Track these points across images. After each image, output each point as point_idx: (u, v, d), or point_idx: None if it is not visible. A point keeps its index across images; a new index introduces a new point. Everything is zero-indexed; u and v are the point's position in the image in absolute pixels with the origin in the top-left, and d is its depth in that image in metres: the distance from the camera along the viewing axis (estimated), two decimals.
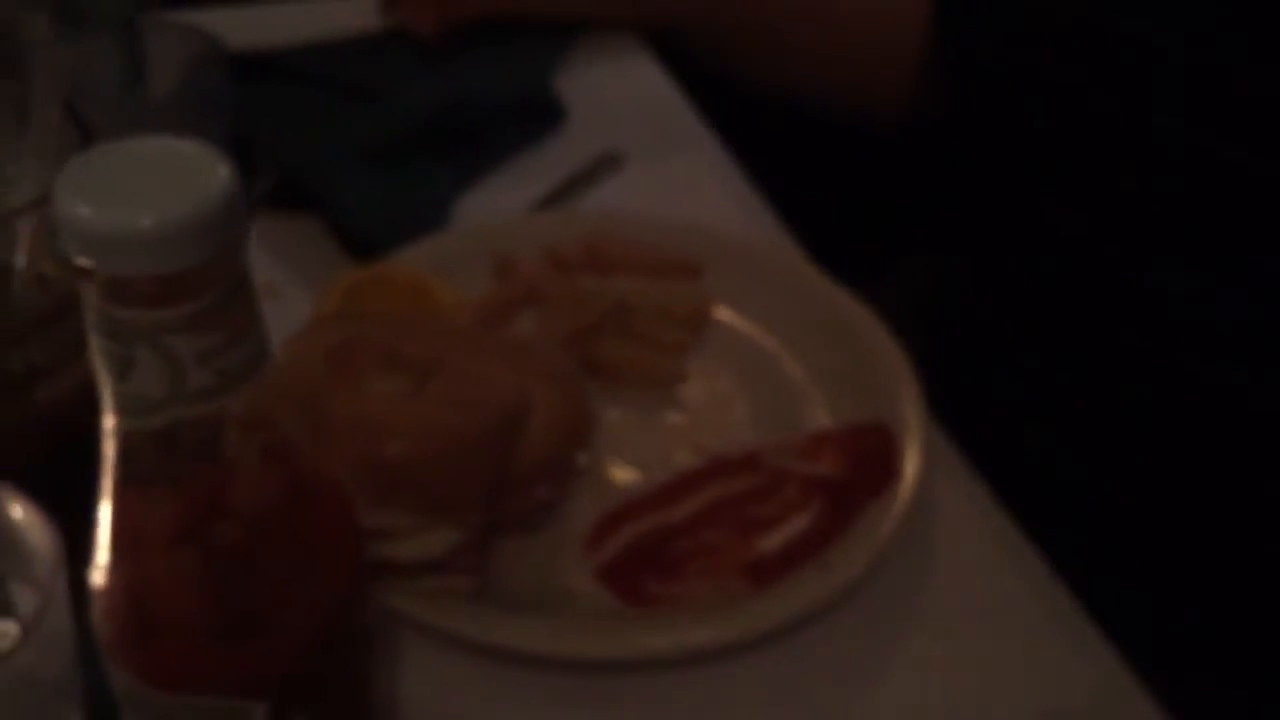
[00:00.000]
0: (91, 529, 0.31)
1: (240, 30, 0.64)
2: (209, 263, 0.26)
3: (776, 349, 0.56)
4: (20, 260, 0.40)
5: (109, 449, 0.29)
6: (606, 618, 0.45)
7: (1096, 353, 0.58)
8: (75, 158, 0.26)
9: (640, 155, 0.69)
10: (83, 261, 0.25)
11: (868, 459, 0.49)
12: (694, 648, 0.43)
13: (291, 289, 0.57)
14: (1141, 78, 0.53)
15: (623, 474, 0.50)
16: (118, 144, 0.26)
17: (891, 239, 0.78)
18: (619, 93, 0.74)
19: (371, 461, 0.42)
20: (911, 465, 0.49)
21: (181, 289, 0.26)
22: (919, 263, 0.77)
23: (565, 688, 0.43)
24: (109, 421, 0.28)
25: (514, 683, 0.43)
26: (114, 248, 0.25)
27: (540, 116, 0.70)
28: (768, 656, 0.44)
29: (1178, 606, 0.55)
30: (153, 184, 0.26)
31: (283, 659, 0.31)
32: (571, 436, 0.47)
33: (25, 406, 0.40)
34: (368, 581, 0.34)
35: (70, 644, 0.37)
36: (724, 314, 0.57)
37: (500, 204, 0.65)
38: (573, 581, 0.46)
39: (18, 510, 0.37)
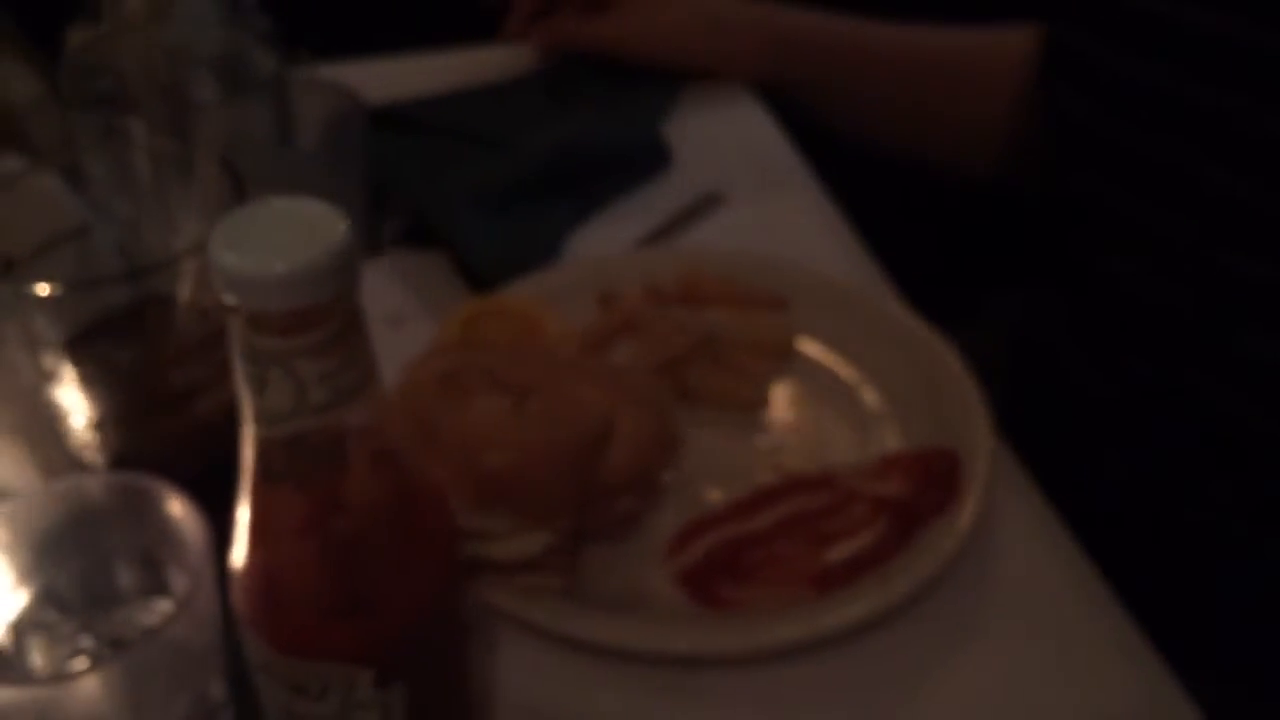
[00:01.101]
0: (235, 522, 0.38)
1: (378, 82, 0.71)
2: (330, 300, 0.32)
3: (855, 378, 0.60)
4: (183, 294, 0.47)
5: (248, 453, 0.35)
6: (683, 617, 0.49)
7: (1173, 395, 0.59)
8: (225, 216, 0.32)
9: (741, 195, 0.73)
10: (229, 299, 0.32)
11: (934, 481, 0.52)
12: (761, 647, 0.47)
13: (417, 318, 0.64)
14: (1226, 147, 0.55)
15: (706, 490, 0.55)
16: (258, 204, 0.33)
17: (981, 278, 0.81)
18: (723, 135, 0.79)
19: (475, 471, 0.47)
20: (976, 488, 0.52)
21: (308, 322, 0.32)
22: (1006, 301, 0.80)
23: (643, 679, 0.48)
24: (248, 430, 0.34)
25: (596, 674, 0.48)
26: (254, 288, 0.31)
27: (649, 159, 0.75)
28: (829, 660, 0.48)
29: (1248, 638, 0.56)
30: (287, 236, 0.32)
31: (386, 635, 0.37)
32: (655, 454, 0.52)
33: (185, 418, 0.47)
34: (463, 575, 0.40)
35: (216, 620, 0.43)
36: (807, 344, 0.61)
37: (608, 240, 0.70)
38: (654, 584, 0.50)
39: (176, 507, 0.43)
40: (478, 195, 0.70)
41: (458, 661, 0.41)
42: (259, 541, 0.36)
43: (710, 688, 0.48)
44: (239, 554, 0.37)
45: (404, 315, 0.64)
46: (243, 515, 0.36)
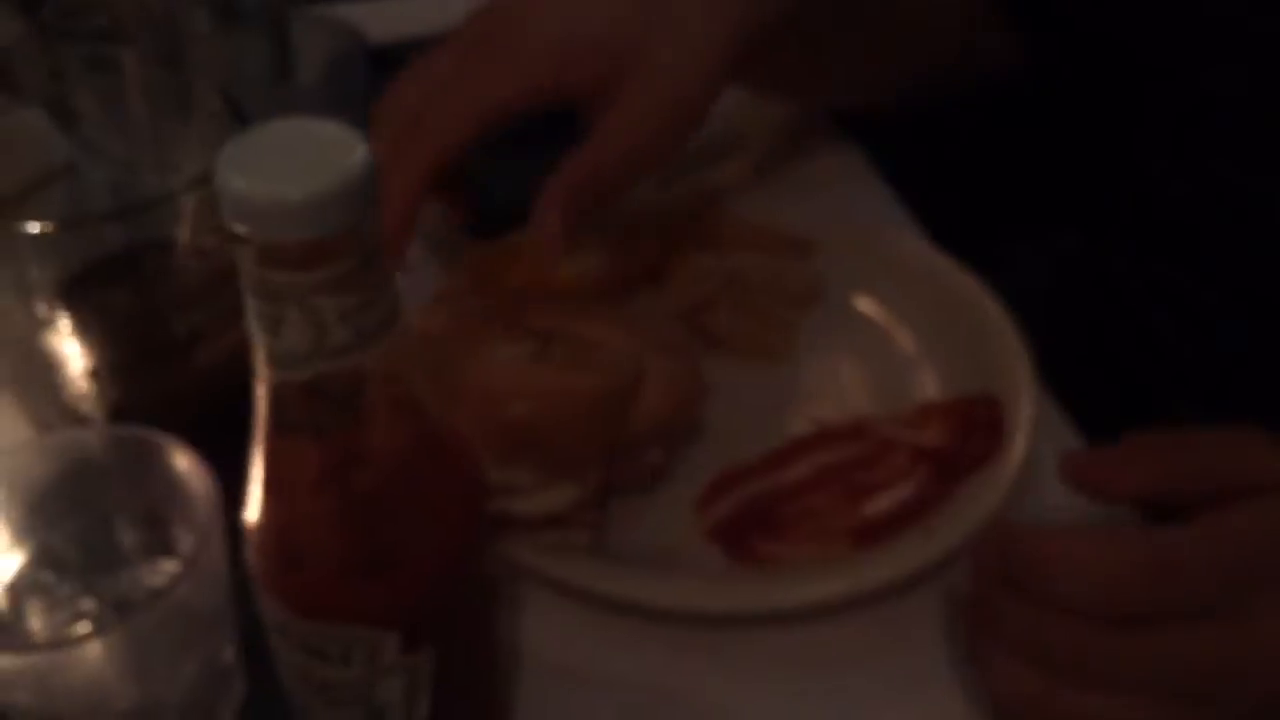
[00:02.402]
0: (244, 478, 0.35)
1: (380, 23, 0.67)
2: (349, 230, 0.29)
3: (889, 323, 0.57)
4: (183, 235, 0.44)
5: (261, 400, 0.32)
6: (716, 574, 0.47)
7: (1225, 318, 0.57)
8: (233, 138, 0.29)
9: (762, 139, 0.70)
10: (239, 229, 0.29)
11: (975, 429, 0.50)
12: (800, 604, 0.45)
13: (423, 264, 0.61)
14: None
15: (736, 441, 0.52)
16: (271, 124, 0.30)
17: (1014, 221, 0.78)
18: None
19: (497, 422, 0.45)
20: (1019, 436, 0.49)
21: (325, 254, 0.29)
22: (1040, 244, 0.77)
23: (675, 639, 0.46)
24: (261, 374, 0.32)
25: (627, 633, 0.46)
26: (267, 216, 0.28)
27: None
28: (868, 617, 0.46)
29: None
30: (301, 160, 0.29)
31: (411, 594, 0.35)
32: (684, 404, 0.49)
33: (187, 367, 0.44)
34: (488, 531, 0.37)
35: (225, 581, 0.41)
36: (837, 289, 0.58)
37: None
38: (685, 539, 0.48)
39: (180, 460, 0.41)
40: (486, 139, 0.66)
41: (485, 622, 0.39)
42: (274, 496, 0.34)
43: (745, 646, 0.46)
44: (252, 510, 0.34)
45: (410, 261, 0.61)
46: (256, 468, 0.34)
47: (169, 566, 0.44)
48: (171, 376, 0.44)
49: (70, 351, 0.44)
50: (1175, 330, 0.61)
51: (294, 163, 0.29)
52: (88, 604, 0.43)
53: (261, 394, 0.32)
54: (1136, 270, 0.64)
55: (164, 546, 0.44)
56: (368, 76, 0.65)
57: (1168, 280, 0.61)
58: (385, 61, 0.69)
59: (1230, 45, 0.55)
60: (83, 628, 0.42)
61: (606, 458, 0.46)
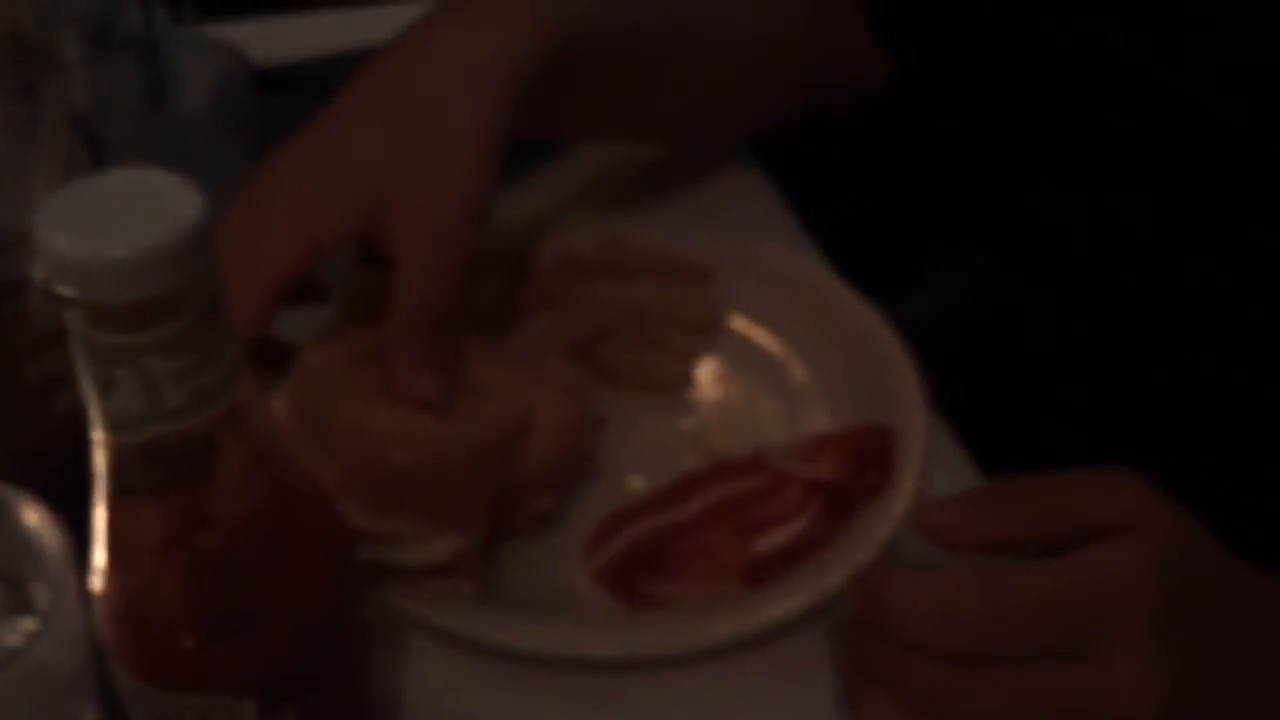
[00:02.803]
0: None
1: (266, 44, 0.66)
2: (181, 288, 0.27)
3: (784, 353, 0.56)
4: (37, 274, 0.42)
5: (100, 463, 0.31)
6: (605, 619, 0.46)
7: (1120, 361, 0.57)
8: (54, 193, 0.27)
9: (665, 161, 0.69)
10: (64, 290, 0.27)
11: (867, 461, 0.50)
12: (688, 647, 0.44)
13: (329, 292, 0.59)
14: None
15: (629, 478, 0.51)
16: (95, 178, 0.28)
17: (916, 246, 0.78)
18: None
19: (377, 470, 0.43)
20: (911, 468, 0.49)
21: (156, 313, 0.27)
22: (949, 264, 0.77)
23: (565, 686, 0.44)
24: (97, 438, 0.30)
25: (516, 681, 0.44)
26: (91, 276, 0.27)
27: None
28: (764, 656, 0.45)
29: None
30: (128, 215, 0.27)
31: (268, 658, 0.33)
32: (574, 447, 0.48)
33: (42, 416, 0.42)
34: (354, 584, 0.36)
35: (84, 641, 0.39)
36: (734, 319, 0.58)
37: (520, 207, 0.65)
38: (574, 583, 0.47)
39: (32, 515, 0.39)
40: None
41: (357, 677, 0.37)
42: (118, 561, 0.32)
43: (637, 692, 0.45)
44: (98, 576, 0.33)
45: (296, 294, 0.60)
46: (99, 532, 0.32)
47: (27, 625, 0.42)
48: (25, 426, 0.42)
49: None
50: (1067, 362, 0.61)
51: (121, 218, 0.27)
52: None
53: (100, 457, 0.30)
54: (1031, 303, 0.64)
55: (21, 605, 0.41)
56: (253, 99, 0.63)
57: (1060, 313, 0.61)
58: (271, 84, 0.67)
59: (1122, 80, 0.55)
60: None
61: (492, 506, 0.45)
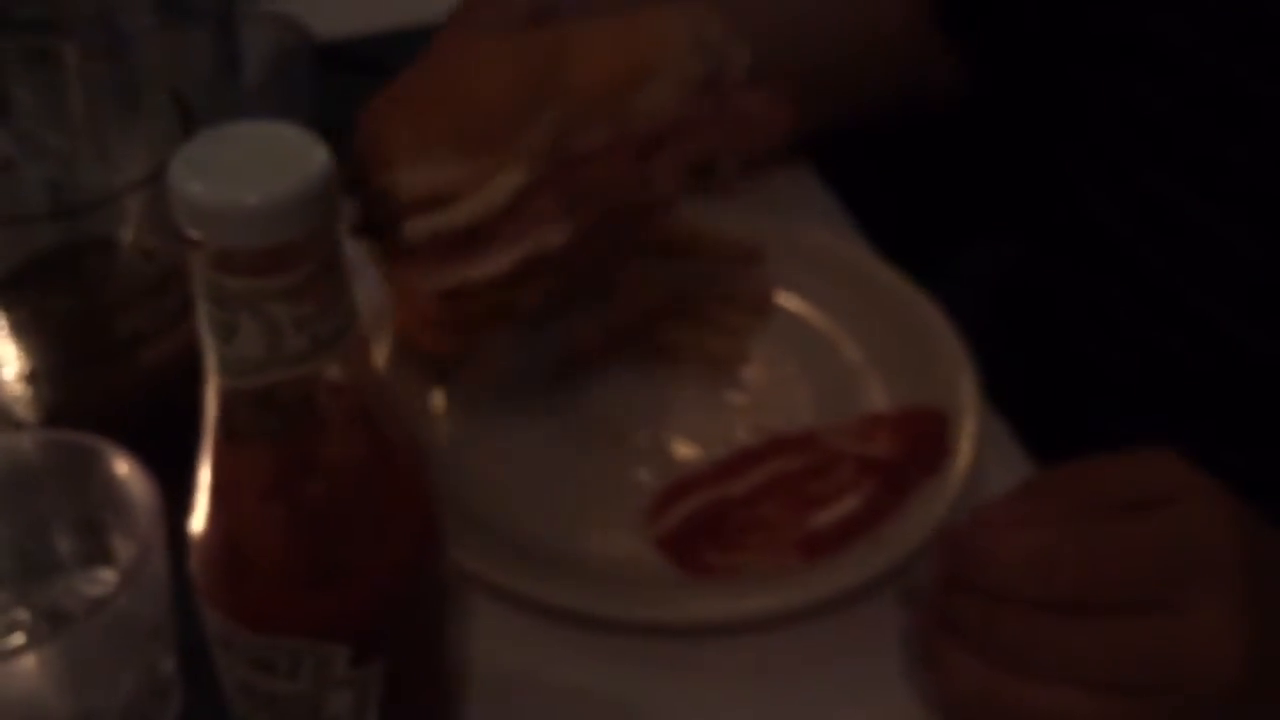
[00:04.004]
0: (186, 483, 0.34)
1: (327, 19, 0.66)
2: (306, 237, 0.28)
3: (837, 334, 0.57)
4: (126, 235, 0.43)
5: (211, 407, 0.31)
6: (666, 585, 0.47)
7: (1160, 338, 0.58)
8: (191, 139, 0.28)
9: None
10: (193, 234, 0.28)
11: (921, 441, 0.50)
12: (747, 615, 0.45)
13: (369, 269, 0.60)
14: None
15: (685, 451, 0.52)
16: (227, 127, 0.29)
17: (955, 231, 0.79)
18: None
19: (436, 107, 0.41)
20: (965, 448, 0.50)
21: (282, 260, 0.28)
22: (982, 253, 0.78)
23: (625, 650, 0.45)
24: (212, 381, 0.31)
25: (576, 644, 0.45)
26: (222, 222, 0.28)
27: None
28: (816, 628, 0.46)
29: None
30: (258, 164, 0.28)
31: (362, 607, 0.34)
32: (627, 79, 0.44)
33: (130, 370, 0.43)
34: (441, 543, 0.37)
35: (166, 590, 0.40)
36: (786, 299, 0.59)
37: None
38: (634, 550, 0.48)
39: (122, 466, 0.40)
40: None
41: (436, 633, 0.38)
42: (222, 505, 0.33)
43: (693, 658, 0.46)
44: (198, 520, 0.34)
45: (356, 266, 0.60)
46: (203, 476, 0.33)
47: (105, 575, 0.43)
48: (113, 379, 0.43)
49: (5, 353, 0.43)
50: (1107, 345, 0.62)
51: (251, 166, 0.28)
52: (21, 614, 0.42)
53: (211, 400, 0.31)
54: (1069, 283, 0.65)
55: (101, 554, 0.42)
56: (314, 74, 0.63)
57: (1101, 296, 0.62)
58: (332, 59, 0.68)
59: (1160, 61, 0.56)
60: (16, 639, 0.41)
61: (545, 136, 0.41)
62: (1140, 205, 0.58)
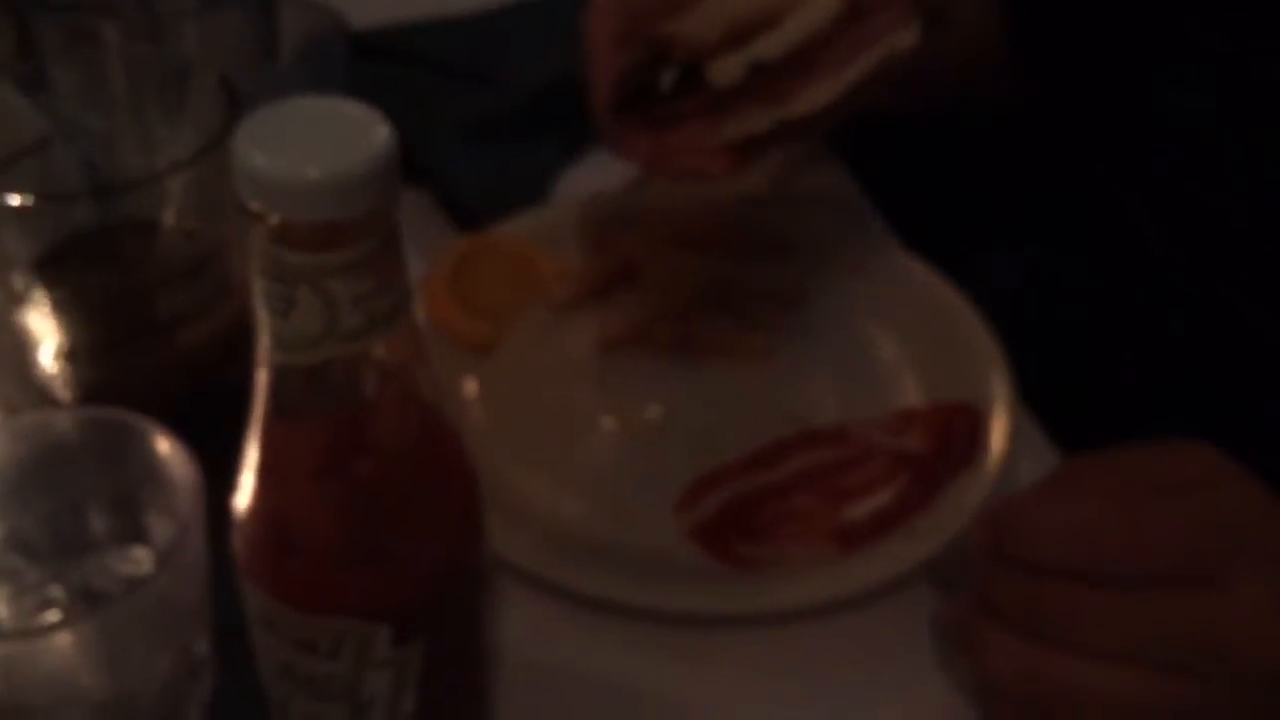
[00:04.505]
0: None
1: (363, 7, 0.66)
2: (367, 213, 0.28)
3: (869, 328, 0.57)
4: (169, 216, 0.43)
5: (262, 384, 0.31)
6: (700, 574, 0.46)
7: (1193, 342, 0.58)
8: (253, 112, 0.28)
9: None
10: (255, 206, 0.28)
11: (954, 437, 0.50)
12: (784, 606, 0.45)
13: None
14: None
15: (717, 442, 0.52)
16: (290, 102, 0.29)
17: (985, 232, 0.79)
18: None
19: None
20: (997, 443, 0.50)
21: (343, 236, 0.28)
22: (1013, 255, 0.78)
23: (655, 639, 0.45)
24: (265, 356, 0.31)
25: (606, 633, 0.45)
26: (285, 194, 0.28)
27: None
28: (848, 621, 0.46)
29: None
30: (322, 138, 0.28)
31: (406, 587, 0.34)
32: None
33: (168, 349, 0.43)
34: (483, 528, 0.37)
35: (203, 571, 0.40)
36: (819, 293, 0.59)
37: (603, 178, 0.66)
38: (667, 540, 0.48)
39: (162, 444, 0.40)
40: (465, 130, 0.65)
41: (474, 617, 0.38)
42: (269, 483, 0.33)
43: (726, 648, 0.45)
44: (244, 496, 0.34)
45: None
46: (250, 453, 0.33)
47: (140, 554, 0.43)
48: (151, 358, 0.43)
49: (43, 331, 0.43)
50: (1137, 345, 0.62)
51: (315, 141, 0.28)
52: (56, 592, 0.42)
53: (263, 376, 0.31)
54: (1101, 287, 0.65)
55: (136, 533, 0.42)
56: (349, 62, 0.63)
57: (1131, 297, 0.61)
58: (367, 47, 0.68)
59: (1193, 65, 0.56)
60: (51, 616, 0.41)
61: None
62: (1175, 211, 0.58)
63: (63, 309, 0.42)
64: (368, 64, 0.66)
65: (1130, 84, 0.60)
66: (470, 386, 0.54)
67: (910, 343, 0.56)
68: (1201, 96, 0.56)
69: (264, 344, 0.30)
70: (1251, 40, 0.53)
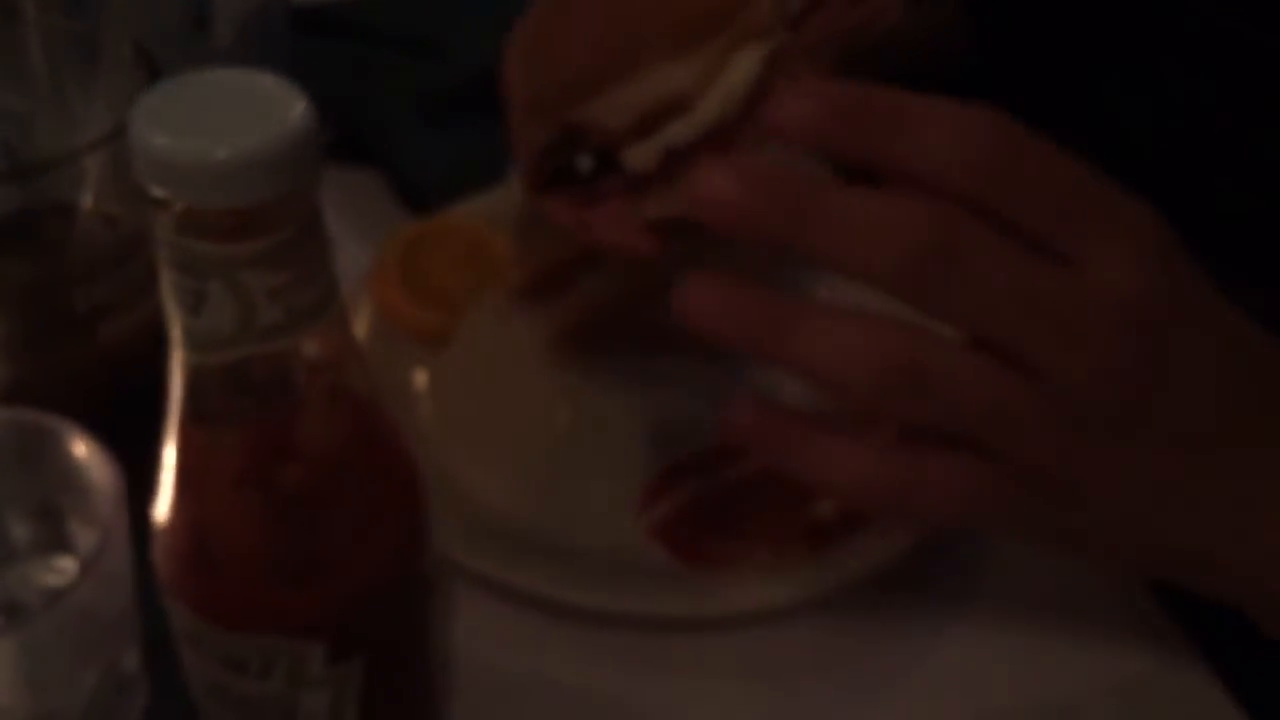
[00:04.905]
0: (151, 467, 0.31)
1: None
2: (283, 198, 0.26)
3: None
4: (87, 199, 0.40)
5: (176, 385, 0.29)
6: (662, 576, 0.44)
7: None
8: (152, 87, 0.26)
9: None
10: (158, 192, 0.25)
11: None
12: (750, 608, 0.43)
13: (350, 242, 0.57)
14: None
15: (680, 435, 0.50)
16: (195, 75, 0.26)
17: None
18: None
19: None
20: None
21: (256, 223, 0.26)
22: None
23: (618, 644, 0.43)
24: (177, 357, 0.28)
25: (566, 638, 0.43)
26: (190, 178, 0.25)
27: None
28: (817, 621, 0.44)
29: None
30: (230, 116, 0.25)
31: (340, 602, 0.31)
32: None
33: (89, 345, 0.40)
34: (425, 536, 0.34)
35: (129, 581, 0.37)
36: (787, 278, 0.56)
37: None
38: (628, 540, 0.46)
39: (80, 447, 0.37)
40: (417, 106, 0.63)
41: (418, 629, 0.36)
42: (188, 493, 0.30)
43: (688, 652, 0.43)
44: (163, 507, 0.31)
45: (335, 239, 0.58)
46: (168, 461, 0.30)
47: (64, 564, 0.40)
48: (71, 355, 0.40)
49: None
50: None
51: (223, 118, 0.25)
52: None
53: (177, 378, 0.29)
54: None
55: (58, 542, 0.40)
56: (288, 39, 0.60)
57: None
58: (309, 21, 0.65)
59: (1182, 37, 0.54)
60: None
61: None
62: (1157, 179, 0.56)
63: None
64: (310, 39, 0.63)
65: (1107, 49, 0.59)
66: (420, 379, 0.51)
67: None
68: (1179, 62, 0.54)
69: (174, 342, 0.28)
70: (1227, 7, 0.51)
